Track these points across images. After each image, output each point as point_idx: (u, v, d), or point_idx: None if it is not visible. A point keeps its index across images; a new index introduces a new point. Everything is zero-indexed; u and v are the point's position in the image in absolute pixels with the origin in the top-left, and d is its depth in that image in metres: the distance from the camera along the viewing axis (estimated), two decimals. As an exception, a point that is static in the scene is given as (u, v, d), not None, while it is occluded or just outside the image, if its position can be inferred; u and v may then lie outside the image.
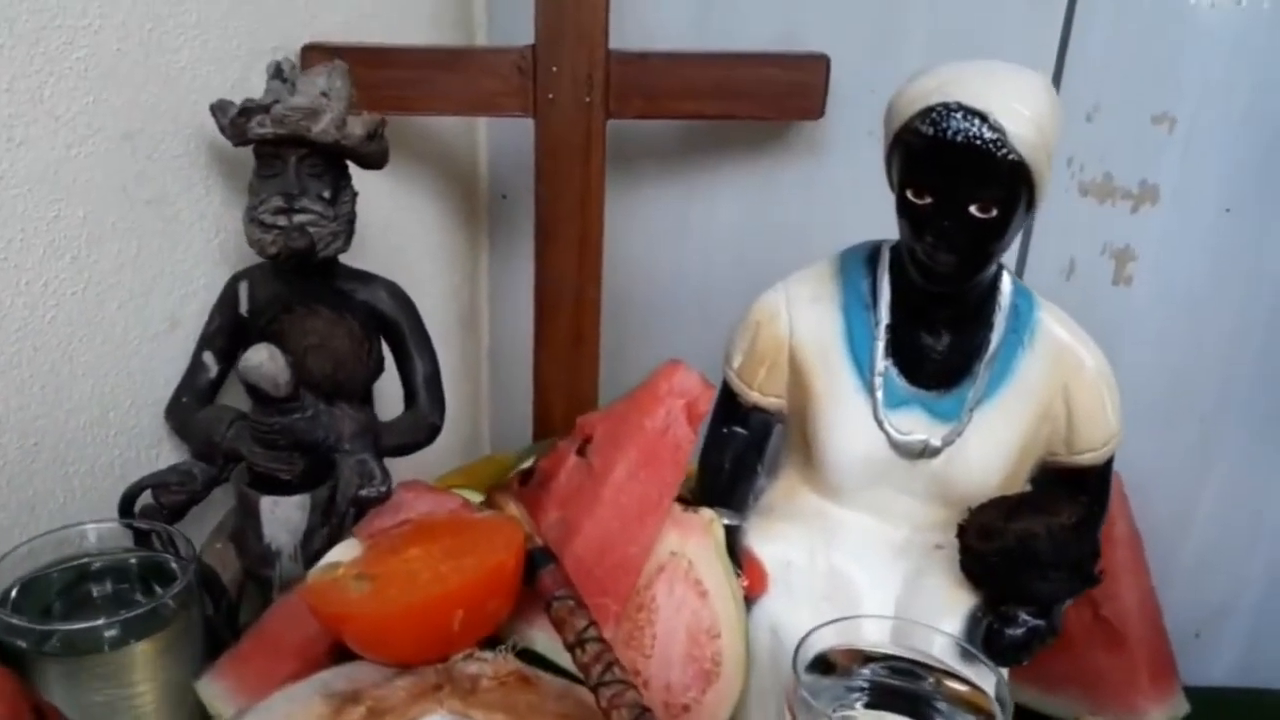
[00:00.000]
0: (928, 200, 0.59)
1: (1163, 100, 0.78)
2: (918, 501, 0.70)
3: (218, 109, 0.69)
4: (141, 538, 0.66)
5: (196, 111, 0.73)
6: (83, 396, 0.70)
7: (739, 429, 0.72)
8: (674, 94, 0.83)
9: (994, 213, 0.58)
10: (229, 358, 0.75)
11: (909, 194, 0.60)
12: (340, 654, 0.62)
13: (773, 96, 0.83)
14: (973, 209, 0.58)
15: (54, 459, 0.69)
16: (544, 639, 0.60)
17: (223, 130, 0.69)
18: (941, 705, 0.53)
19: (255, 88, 0.77)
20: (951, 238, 0.59)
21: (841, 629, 0.55)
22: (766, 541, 0.69)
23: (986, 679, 0.53)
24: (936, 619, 0.65)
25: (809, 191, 0.90)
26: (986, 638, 0.63)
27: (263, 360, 0.65)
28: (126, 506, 0.69)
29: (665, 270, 0.97)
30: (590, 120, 0.82)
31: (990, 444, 0.67)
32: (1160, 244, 0.81)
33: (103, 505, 0.72)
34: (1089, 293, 0.84)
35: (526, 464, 0.85)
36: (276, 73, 0.69)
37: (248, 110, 0.66)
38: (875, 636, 0.56)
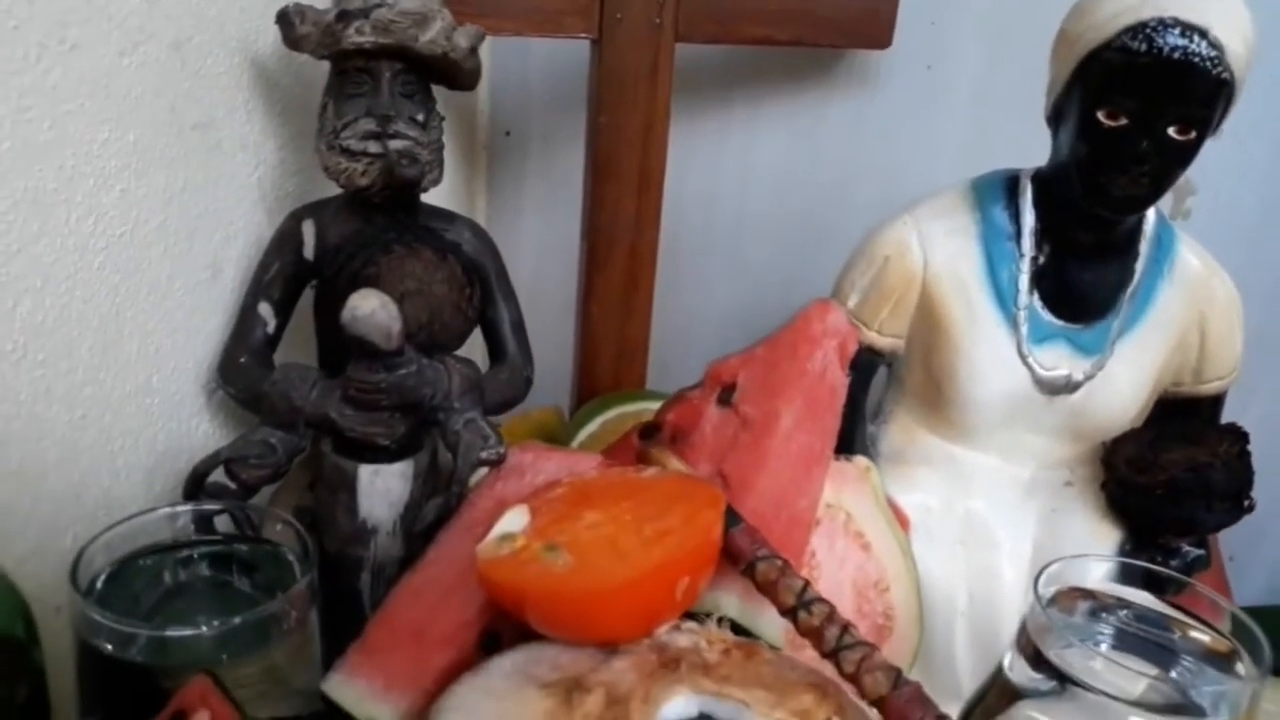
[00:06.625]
0: (1123, 122, 0.57)
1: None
2: (1045, 438, 0.68)
3: (294, 14, 0.58)
4: (203, 522, 0.56)
5: (242, 19, 0.62)
6: (129, 358, 0.58)
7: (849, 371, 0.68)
8: (746, 18, 0.77)
9: (1192, 135, 0.56)
10: (287, 309, 0.64)
11: (1099, 115, 0.57)
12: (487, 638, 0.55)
13: (844, 22, 0.79)
14: (1171, 130, 0.56)
15: (100, 435, 0.57)
16: (734, 603, 0.54)
17: (295, 42, 0.59)
18: (1188, 661, 0.51)
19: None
20: (1144, 161, 0.57)
21: (1070, 567, 0.52)
22: (907, 489, 0.66)
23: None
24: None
25: (859, 127, 0.87)
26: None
27: (375, 308, 0.55)
28: (195, 487, 0.58)
29: (696, 208, 0.92)
30: (659, 44, 0.75)
31: (1130, 376, 0.66)
32: (1220, 177, 0.82)
33: (146, 487, 0.61)
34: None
35: (602, 413, 0.79)
36: (358, -28, 0.59)
37: (347, 14, 0.56)
38: (1098, 578, 0.53)
